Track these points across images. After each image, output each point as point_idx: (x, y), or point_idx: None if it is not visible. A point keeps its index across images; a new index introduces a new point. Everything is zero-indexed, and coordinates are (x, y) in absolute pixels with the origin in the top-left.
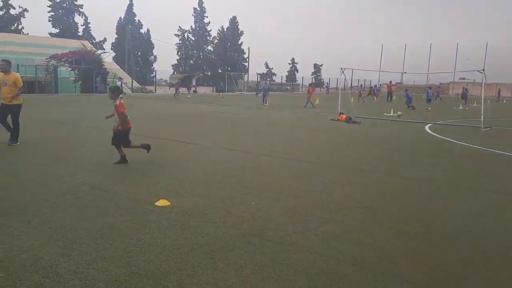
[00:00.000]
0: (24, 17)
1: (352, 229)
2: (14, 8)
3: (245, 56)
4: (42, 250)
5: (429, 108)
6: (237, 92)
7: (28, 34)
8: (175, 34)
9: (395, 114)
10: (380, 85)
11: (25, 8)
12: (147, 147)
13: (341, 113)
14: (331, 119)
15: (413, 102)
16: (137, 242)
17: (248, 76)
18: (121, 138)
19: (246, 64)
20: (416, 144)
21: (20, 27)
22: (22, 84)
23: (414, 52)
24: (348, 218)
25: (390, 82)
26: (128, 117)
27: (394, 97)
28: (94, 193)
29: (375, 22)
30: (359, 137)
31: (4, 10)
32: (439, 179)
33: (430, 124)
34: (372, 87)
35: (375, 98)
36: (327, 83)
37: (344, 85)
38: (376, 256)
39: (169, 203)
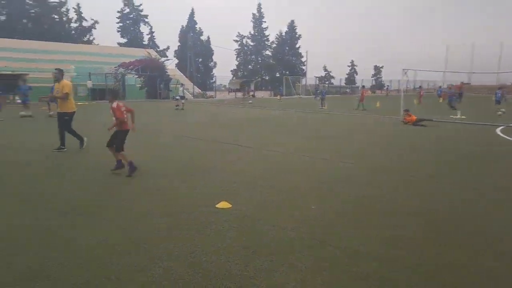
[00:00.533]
0: (95, 29)
1: (412, 236)
2: (87, 21)
3: (303, 59)
4: (111, 247)
5: (503, 110)
6: (295, 96)
7: (98, 44)
8: (234, 40)
9: (499, 113)
10: (447, 85)
11: (96, 20)
12: (120, 166)
13: (407, 111)
14: (402, 121)
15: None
16: (200, 243)
17: (306, 80)
18: (120, 137)
19: (304, 67)
20: (487, 148)
21: (91, 38)
22: (67, 91)
23: (480, 52)
24: (407, 225)
25: (462, 82)
26: (126, 119)
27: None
28: (159, 195)
29: (434, 23)
30: (422, 140)
31: (78, 23)
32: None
33: (502, 127)
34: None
35: (441, 100)
36: (388, 85)
37: (406, 87)
38: (434, 264)
39: (230, 206)
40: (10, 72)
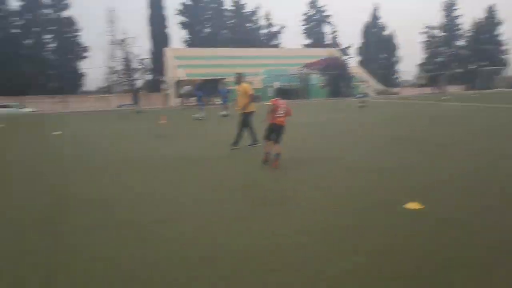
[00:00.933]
0: (282, 33)
1: None
2: (275, 26)
3: (506, 48)
4: (289, 237)
5: None
6: (496, 89)
7: (284, 47)
8: (420, 33)
9: None
10: None
11: (283, 25)
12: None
13: None
14: None
15: None
16: (385, 243)
17: (509, 71)
18: (268, 128)
19: (507, 57)
20: None
21: (279, 41)
22: (251, 92)
23: None
24: None
25: None
26: (277, 115)
27: None
28: (343, 190)
29: None
30: None
31: (267, 29)
32: None
33: None
34: None
35: None
36: None
37: None
38: None
39: (422, 207)
40: (212, 77)
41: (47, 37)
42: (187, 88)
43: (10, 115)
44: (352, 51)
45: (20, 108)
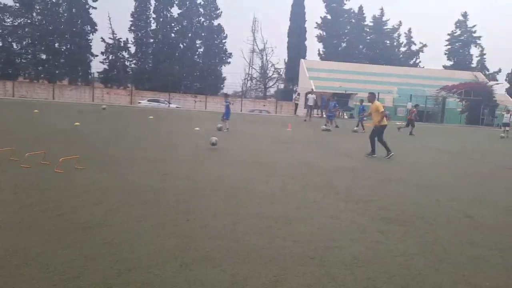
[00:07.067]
0: (422, 52)
1: None
2: (415, 45)
3: None
4: (413, 258)
5: None
6: None
7: (423, 67)
8: None
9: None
10: None
11: (425, 44)
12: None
13: None
14: None
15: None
16: None
17: None
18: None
19: None
20: None
21: (417, 61)
22: (382, 110)
23: None
24: None
25: None
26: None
27: None
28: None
29: None
30: None
31: (406, 47)
32: None
33: None
34: None
35: None
36: None
37: None
38: None
39: None
40: (343, 92)
41: (198, 42)
42: (311, 97)
43: (159, 109)
44: (501, 77)
45: (167, 103)
